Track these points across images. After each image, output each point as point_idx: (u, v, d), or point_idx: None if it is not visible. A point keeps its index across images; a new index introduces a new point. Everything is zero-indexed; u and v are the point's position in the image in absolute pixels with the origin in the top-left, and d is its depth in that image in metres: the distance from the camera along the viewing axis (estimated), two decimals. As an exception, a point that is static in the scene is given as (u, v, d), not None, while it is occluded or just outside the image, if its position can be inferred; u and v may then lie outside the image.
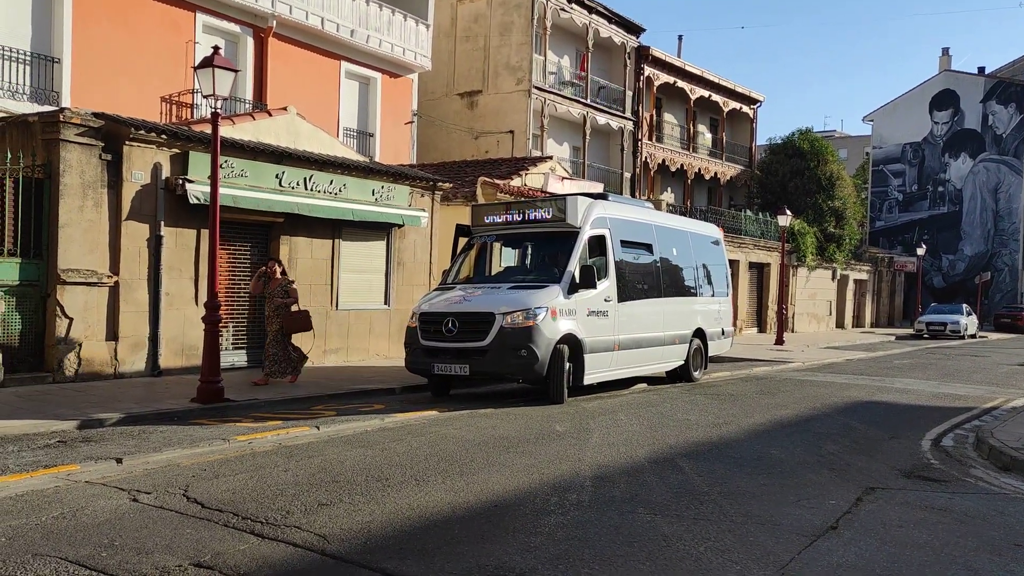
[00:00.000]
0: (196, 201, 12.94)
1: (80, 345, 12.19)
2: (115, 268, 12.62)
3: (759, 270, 33.41)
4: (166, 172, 13.13)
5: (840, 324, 40.98)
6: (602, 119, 32.99)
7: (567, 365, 11.51)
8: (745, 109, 42.40)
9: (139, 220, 12.89)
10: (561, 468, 7.45)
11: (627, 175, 34.68)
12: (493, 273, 13.39)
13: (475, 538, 5.34)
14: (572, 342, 11.62)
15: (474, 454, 7.99)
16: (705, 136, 41.34)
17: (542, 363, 11.14)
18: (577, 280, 11.71)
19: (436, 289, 12.89)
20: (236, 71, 11.01)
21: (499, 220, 13.02)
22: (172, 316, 13.31)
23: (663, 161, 36.89)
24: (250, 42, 20.86)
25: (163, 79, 18.68)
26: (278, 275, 12.83)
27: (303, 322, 12.87)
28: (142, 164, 12.88)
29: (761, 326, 33.40)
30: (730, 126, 42.39)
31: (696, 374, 15.25)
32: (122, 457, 7.49)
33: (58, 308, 11.93)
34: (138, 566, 4.72)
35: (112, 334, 12.60)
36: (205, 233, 13.06)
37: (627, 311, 12.94)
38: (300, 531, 5.40)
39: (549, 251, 12.81)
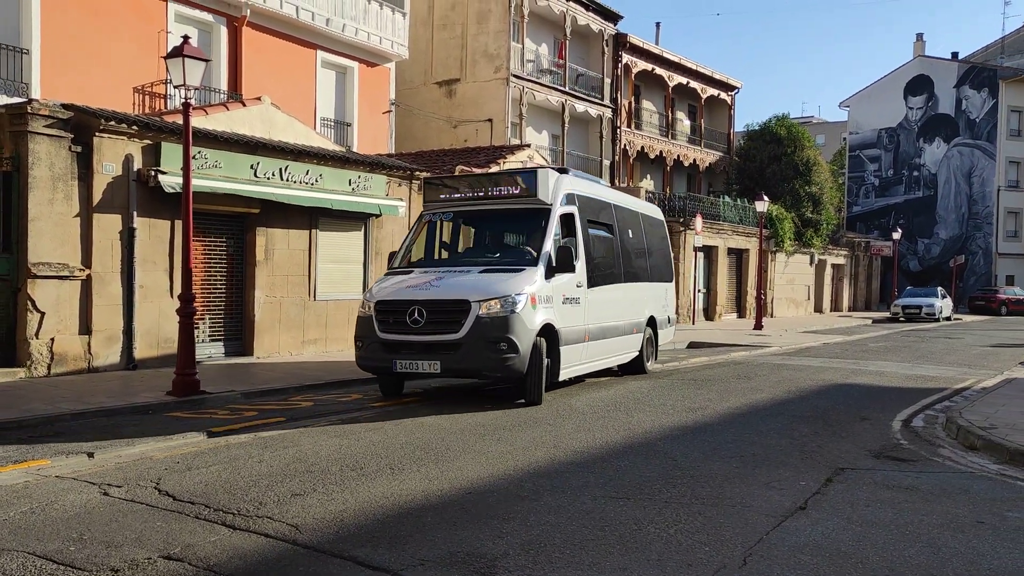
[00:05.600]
0: (172, 190, 12.81)
1: (53, 339, 12.08)
2: (87, 261, 12.50)
3: (738, 256, 33.59)
4: (138, 163, 13.00)
5: (818, 308, 41.31)
6: (581, 107, 32.97)
7: (545, 360, 10.36)
8: (723, 96, 42.53)
9: (111, 212, 12.76)
10: (537, 454, 7.48)
11: (606, 162, 34.72)
12: (445, 256, 12.00)
13: (448, 525, 5.36)
14: (549, 333, 10.46)
15: (450, 442, 8.00)
16: (684, 123, 41.45)
17: (523, 357, 9.87)
18: (554, 263, 10.55)
19: (389, 273, 11.33)
20: (207, 60, 10.90)
21: (457, 196, 11.59)
22: (147, 309, 13.21)
23: (642, 148, 36.96)
24: (224, 31, 20.66)
25: (135, 69, 18.46)
26: None
27: None
28: (113, 156, 12.74)
29: (740, 311, 33.61)
30: (708, 113, 42.50)
31: (648, 365, 14.25)
32: (93, 451, 7.44)
33: (29, 302, 11.81)
34: (107, 559, 4.70)
35: (85, 328, 12.49)
36: (179, 225, 12.95)
37: (595, 298, 11.83)
38: (272, 521, 5.39)
39: (516, 230, 11.74)
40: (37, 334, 11.90)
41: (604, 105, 34.44)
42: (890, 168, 53.46)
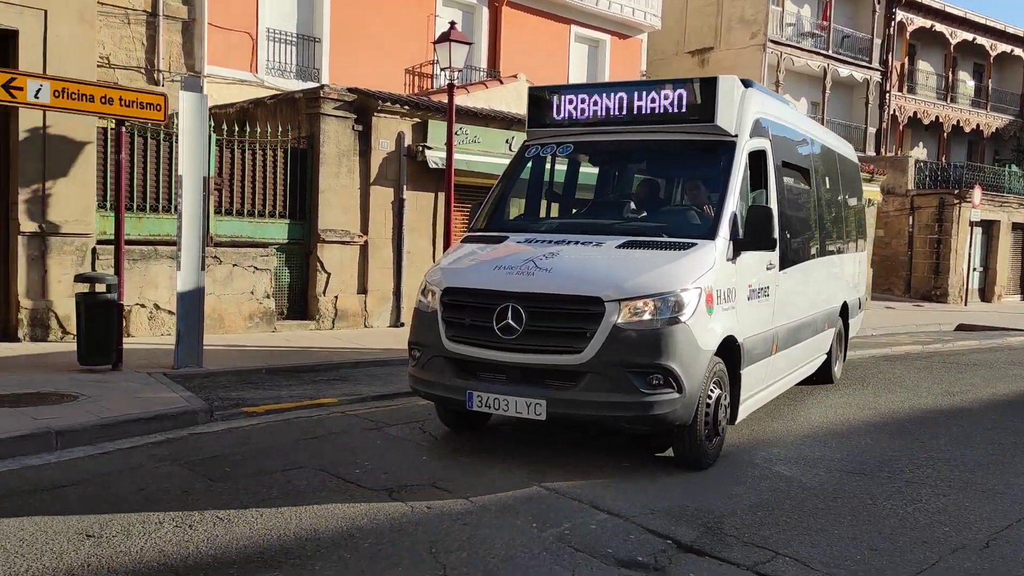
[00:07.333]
0: (434, 166, 14.00)
1: (336, 297, 13.73)
2: (364, 228, 14.02)
3: (1025, 231, 30.08)
4: (408, 140, 14.31)
5: None
6: (845, 71, 31.05)
7: (716, 394, 6.08)
8: (1017, 52, 37.91)
9: (384, 185, 14.19)
10: (772, 425, 7.51)
11: (872, 130, 32.47)
12: (558, 215, 7.89)
13: (678, 483, 5.64)
14: (729, 351, 6.29)
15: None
16: (967, 84, 37.55)
17: (688, 398, 5.70)
18: (742, 233, 6.44)
19: (469, 238, 7.18)
20: (470, 44, 11.79)
21: (581, 116, 7.18)
22: (413, 273, 14.56)
23: (914, 113, 34.09)
24: (485, 12, 21.89)
25: (406, 52, 20.14)
26: None
27: None
28: (388, 133, 14.13)
29: (1026, 294, 30.14)
30: (998, 72, 38.12)
31: (836, 368, 10.07)
32: (371, 395, 8.53)
33: (319, 264, 13.51)
34: (384, 482, 5.51)
35: (362, 288, 14.05)
36: (442, 196, 14.12)
37: (788, 284, 7.60)
38: (516, 463, 5.99)
39: (676, 175, 7.65)
40: (324, 292, 13.59)
41: (872, 68, 32.12)
42: None
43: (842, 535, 4.72)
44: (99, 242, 10.69)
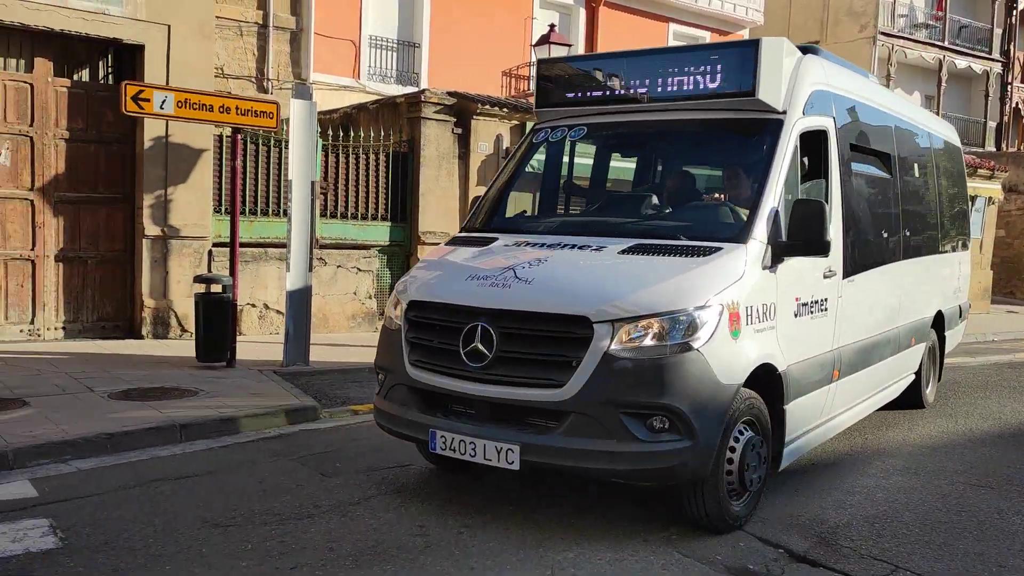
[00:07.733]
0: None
1: (437, 297, 13.97)
2: (465, 230, 14.21)
3: None
4: (506, 142, 14.41)
5: None
6: (962, 63, 29.60)
7: (745, 438, 4.77)
8: None
9: (483, 187, 14.33)
10: (888, 434, 7.23)
11: (991, 124, 30.87)
12: (569, 212, 6.83)
13: (789, 491, 5.48)
14: (766, 382, 5.00)
15: (794, 414, 7.99)
16: (1096, 74, 35.27)
17: (703, 448, 4.47)
18: (784, 234, 5.14)
19: (456, 239, 6.17)
20: (569, 46, 11.80)
21: (596, 92, 6.12)
22: (512, 273, 14.65)
23: (1038, 106, 32.23)
24: (582, 13, 21.87)
25: (503, 54, 20.30)
26: None
27: None
28: (486, 135, 14.28)
29: None
30: None
31: (928, 391, 8.55)
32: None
33: (420, 265, 13.76)
34: (487, 480, 5.57)
35: (463, 288, 14.24)
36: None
37: (855, 295, 6.15)
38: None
39: (709, 162, 6.54)
40: (425, 292, 13.84)
41: (992, 59, 30.53)
42: None
43: (967, 550, 4.50)
44: (214, 244, 11.19)
